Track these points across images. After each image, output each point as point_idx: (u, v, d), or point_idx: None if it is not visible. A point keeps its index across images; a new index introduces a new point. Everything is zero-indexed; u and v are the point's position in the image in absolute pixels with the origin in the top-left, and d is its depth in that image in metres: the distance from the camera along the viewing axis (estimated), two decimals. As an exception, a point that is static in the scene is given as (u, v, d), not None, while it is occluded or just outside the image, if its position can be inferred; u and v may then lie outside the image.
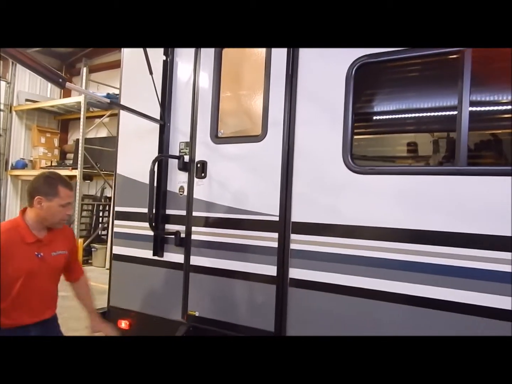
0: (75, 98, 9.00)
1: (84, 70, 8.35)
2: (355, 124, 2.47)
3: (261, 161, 2.63)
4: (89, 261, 8.69)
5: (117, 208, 3.25)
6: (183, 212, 2.91)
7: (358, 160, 2.57)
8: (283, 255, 2.53)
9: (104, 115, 8.89)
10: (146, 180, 2.87)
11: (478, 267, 2.01)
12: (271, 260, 2.56)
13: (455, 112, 2.14)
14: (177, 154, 2.97)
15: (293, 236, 2.51)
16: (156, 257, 2.97)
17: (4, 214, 9.72)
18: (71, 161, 9.36)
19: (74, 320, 3.68)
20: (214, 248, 2.78)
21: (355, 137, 2.53)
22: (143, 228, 2.95)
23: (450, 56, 2.24)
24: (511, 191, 1.95)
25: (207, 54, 2.89)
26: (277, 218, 2.55)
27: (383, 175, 2.32)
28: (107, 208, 9.26)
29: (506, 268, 1.95)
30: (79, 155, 8.10)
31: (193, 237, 2.87)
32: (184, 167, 2.92)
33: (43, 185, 2.04)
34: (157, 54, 2.96)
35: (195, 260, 2.86)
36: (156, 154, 2.97)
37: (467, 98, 2.10)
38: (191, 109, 2.93)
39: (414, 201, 2.20)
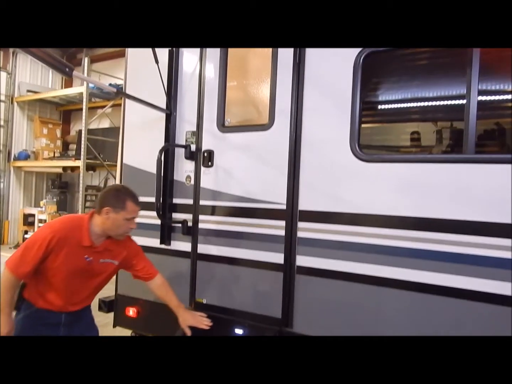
0: (77, 89, 8.96)
1: (86, 60, 8.31)
2: (363, 113, 2.47)
3: (268, 150, 2.64)
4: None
5: (123, 198, 3.26)
6: (190, 201, 2.93)
7: (366, 148, 2.57)
8: (290, 243, 2.54)
9: (106, 105, 8.86)
10: (153, 169, 2.87)
11: (487, 254, 2.03)
12: (278, 248, 2.58)
13: (464, 101, 2.15)
14: (184, 143, 2.97)
15: (300, 224, 2.52)
16: (163, 246, 2.99)
17: (8, 206, 9.76)
18: (73, 152, 9.35)
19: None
20: (221, 237, 2.80)
21: (363, 125, 2.53)
22: (150, 217, 2.97)
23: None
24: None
25: (213, 42, 2.88)
26: (284, 207, 2.56)
27: (390, 163, 2.32)
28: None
29: (513, 255, 1.97)
30: (82, 146, 8.09)
31: (200, 225, 2.89)
32: (191, 156, 2.92)
33: (113, 198, 2.15)
34: (163, 43, 2.95)
35: (202, 249, 2.88)
36: (162, 143, 2.97)
37: (476, 87, 2.10)
38: (197, 98, 2.93)
39: (422, 189, 2.21)
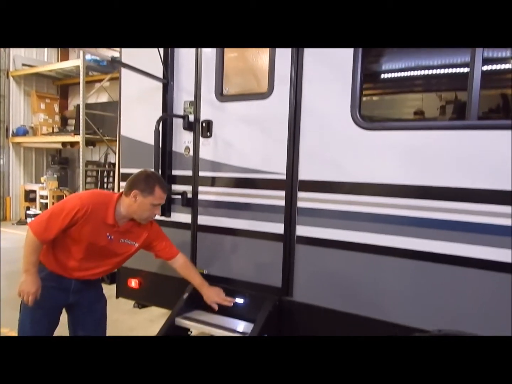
0: (73, 62, 8.76)
1: (81, 32, 8.09)
2: (364, 80, 2.41)
3: (268, 119, 2.60)
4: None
5: (122, 170, 3.25)
6: (189, 173, 2.91)
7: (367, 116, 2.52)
8: (290, 213, 2.54)
9: (103, 79, 8.70)
10: (150, 141, 2.85)
11: (488, 222, 2.02)
12: (278, 218, 2.57)
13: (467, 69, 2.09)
14: (182, 113, 2.93)
15: (300, 194, 2.51)
16: (163, 218, 2.99)
17: (8, 182, 9.76)
18: (72, 127, 9.26)
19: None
20: (221, 208, 2.80)
21: (364, 98, 2.48)
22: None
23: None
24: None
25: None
26: (284, 177, 2.54)
27: (392, 131, 2.28)
28: (111, 174, 9.26)
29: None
30: (81, 121, 7.99)
31: (200, 197, 2.88)
32: (189, 126, 2.88)
33: (143, 182, 2.15)
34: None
35: (203, 220, 2.89)
36: (160, 114, 2.93)
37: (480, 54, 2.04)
38: (194, 66, 2.86)
39: (423, 157, 2.18)
